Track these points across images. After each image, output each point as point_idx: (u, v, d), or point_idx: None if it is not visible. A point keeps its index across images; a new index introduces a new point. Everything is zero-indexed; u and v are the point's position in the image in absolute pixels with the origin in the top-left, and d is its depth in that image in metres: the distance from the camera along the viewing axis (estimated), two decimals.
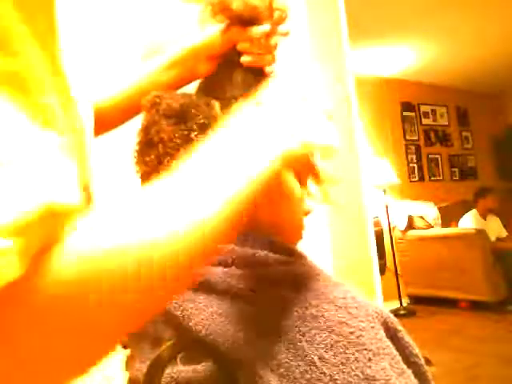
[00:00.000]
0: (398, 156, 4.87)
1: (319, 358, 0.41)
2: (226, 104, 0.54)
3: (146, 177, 0.53)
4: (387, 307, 3.88)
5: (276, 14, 0.56)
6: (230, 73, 0.57)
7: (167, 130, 0.51)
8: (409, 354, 0.46)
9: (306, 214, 0.59)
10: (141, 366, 0.51)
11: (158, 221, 0.28)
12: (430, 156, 5.25)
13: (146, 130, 0.53)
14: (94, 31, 1.50)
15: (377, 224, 4.02)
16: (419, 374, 0.46)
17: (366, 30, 3.61)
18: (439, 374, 2.51)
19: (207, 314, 0.46)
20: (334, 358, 0.40)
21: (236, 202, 0.32)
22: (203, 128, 0.51)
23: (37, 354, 0.24)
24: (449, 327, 3.52)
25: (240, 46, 0.57)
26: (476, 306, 3.83)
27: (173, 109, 0.52)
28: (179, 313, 0.48)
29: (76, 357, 0.26)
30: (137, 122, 0.56)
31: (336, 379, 0.40)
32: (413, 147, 5.10)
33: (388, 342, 0.44)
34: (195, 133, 0.51)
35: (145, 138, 0.53)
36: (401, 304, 4.13)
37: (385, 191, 4.22)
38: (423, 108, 5.29)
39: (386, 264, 4.19)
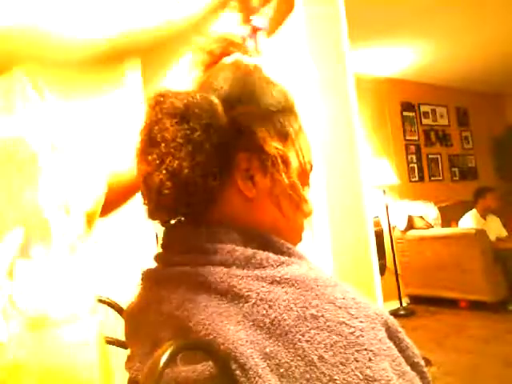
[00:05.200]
0: (397, 156, 4.87)
1: (319, 358, 0.40)
2: (229, 103, 0.53)
3: (147, 176, 0.53)
4: (387, 307, 3.89)
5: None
6: (235, 73, 0.57)
7: (170, 129, 0.50)
8: (411, 354, 0.46)
9: (307, 215, 0.59)
10: (141, 366, 0.51)
11: None
12: (430, 156, 5.25)
13: (148, 128, 0.53)
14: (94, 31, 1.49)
15: (377, 224, 4.02)
16: (420, 375, 0.46)
17: (366, 30, 3.61)
18: (439, 374, 2.51)
19: (207, 314, 0.45)
20: (334, 358, 0.40)
21: None
22: (206, 128, 0.51)
23: None
24: (449, 327, 3.52)
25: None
26: (476, 306, 3.83)
27: (176, 108, 0.51)
28: (179, 313, 0.48)
29: None
30: (140, 121, 0.56)
31: (335, 379, 0.39)
32: (413, 147, 5.09)
33: (390, 344, 0.43)
34: (198, 133, 0.50)
35: (147, 136, 0.53)
36: (401, 304, 4.13)
37: (385, 191, 4.22)
38: (423, 108, 5.29)
39: (385, 264, 4.19)
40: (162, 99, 0.53)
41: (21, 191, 0.45)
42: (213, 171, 0.51)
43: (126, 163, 0.75)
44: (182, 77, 0.61)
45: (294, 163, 0.55)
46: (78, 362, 0.48)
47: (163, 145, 0.50)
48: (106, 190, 0.71)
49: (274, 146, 0.53)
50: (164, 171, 0.50)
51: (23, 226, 0.43)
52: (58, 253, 0.48)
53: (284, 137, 0.55)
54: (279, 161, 0.53)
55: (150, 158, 0.51)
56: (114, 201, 0.75)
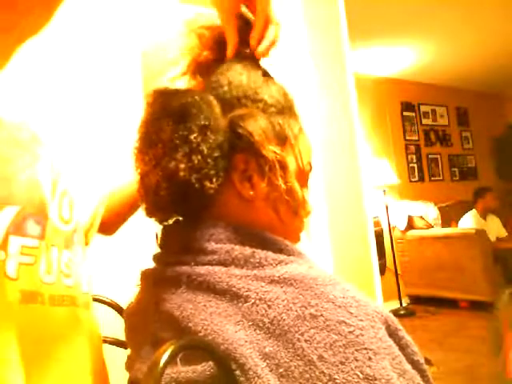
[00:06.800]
0: (398, 156, 4.87)
1: (318, 358, 0.40)
2: (227, 104, 0.53)
3: (144, 175, 0.52)
4: (387, 307, 3.88)
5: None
6: (233, 73, 0.56)
7: (167, 129, 0.50)
8: (411, 352, 0.46)
9: (306, 215, 0.58)
10: (141, 367, 0.51)
11: None
12: (429, 156, 5.25)
13: (145, 127, 0.52)
14: (92, 31, 1.49)
15: (377, 224, 4.02)
16: (420, 373, 0.46)
17: (366, 30, 3.61)
18: (439, 374, 2.51)
19: (206, 314, 0.45)
20: (333, 358, 0.40)
21: None
22: (203, 129, 0.50)
23: None
24: (449, 327, 3.52)
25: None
26: (476, 306, 3.83)
27: (173, 107, 0.51)
28: (178, 313, 0.47)
29: None
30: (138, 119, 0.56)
31: (335, 379, 0.39)
32: (413, 147, 5.10)
33: (390, 342, 0.43)
34: (195, 134, 0.49)
35: (144, 135, 0.52)
36: (401, 304, 4.13)
37: (385, 191, 4.22)
38: (423, 108, 5.29)
39: (385, 264, 4.19)
40: (160, 97, 0.53)
41: (20, 171, 0.45)
42: (210, 173, 0.50)
43: (127, 176, 0.74)
44: (177, 67, 0.61)
45: (292, 166, 0.54)
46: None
47: (160, 145, 0.50)
48: (105, 207, 0.70)
49: (271, 150, 0.51)
50: (160, 172, 0.49)
51: (19, 205, 0.44)
52: (55, 236, 0.49)
53: (283, 140, 0.54)
54: (277, 166, 0.52)
55: (146, 158, 0.51)
56: (118, 217, 0.76)
